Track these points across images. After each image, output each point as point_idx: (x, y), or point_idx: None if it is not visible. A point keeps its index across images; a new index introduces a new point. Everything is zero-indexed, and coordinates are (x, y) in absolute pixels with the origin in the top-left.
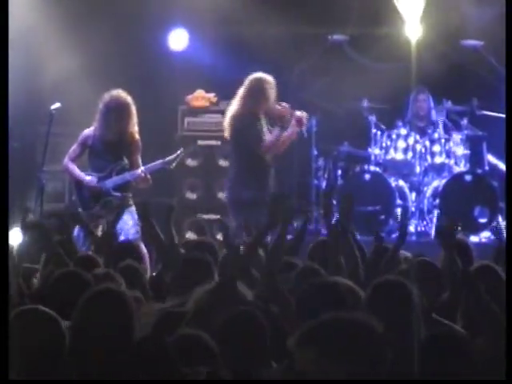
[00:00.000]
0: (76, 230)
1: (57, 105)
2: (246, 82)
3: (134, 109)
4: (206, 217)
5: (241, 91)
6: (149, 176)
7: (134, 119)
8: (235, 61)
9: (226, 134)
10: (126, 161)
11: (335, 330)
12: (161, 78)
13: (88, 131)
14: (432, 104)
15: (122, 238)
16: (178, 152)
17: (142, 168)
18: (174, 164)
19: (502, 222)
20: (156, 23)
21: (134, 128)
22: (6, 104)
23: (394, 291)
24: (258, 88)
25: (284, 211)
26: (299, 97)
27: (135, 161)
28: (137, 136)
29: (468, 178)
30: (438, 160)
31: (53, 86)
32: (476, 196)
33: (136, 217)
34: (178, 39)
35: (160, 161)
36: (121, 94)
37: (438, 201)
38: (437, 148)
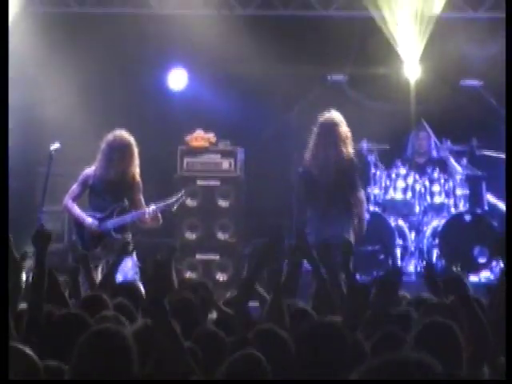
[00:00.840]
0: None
1: (56, 145)
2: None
3: (136, 150)
4: (205, 257)
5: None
6: (159, 215)
7: (136, 160)
8: (235, 100)
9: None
10: (126, 202)
11: (399, 370)
12: (160, 118)
13: (89, 170)
14: (433, 141)
15: (120, 278)
16: (180, 194)
17: (148, 209)
18: (175, 207)
19: (501, 262)
20: (155, 63)
21: (136, 169)
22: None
23: (442, 332)
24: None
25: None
26: (299, 136)
27: (137, 201)
28: (138, 177)
29: (467, 217)
30: (438, 200)
31: (52, 126)
32: (475, 236)
33: (135, 258)
34: (177, 79)
35: (162, 203)
36: (124, 134)
37: (437, 240)
38: (436, 188)
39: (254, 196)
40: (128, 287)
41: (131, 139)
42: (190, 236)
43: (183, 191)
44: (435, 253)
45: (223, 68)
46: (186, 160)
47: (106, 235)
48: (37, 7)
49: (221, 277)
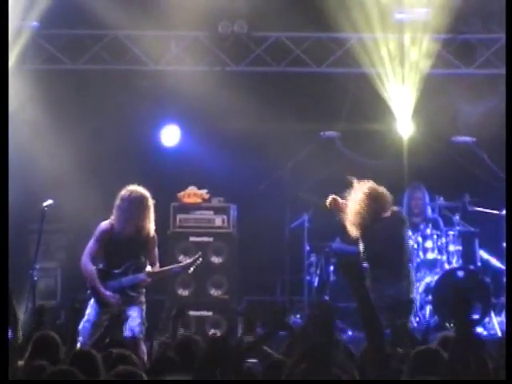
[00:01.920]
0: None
1: (49, 202)
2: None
3: (152, 204)
4: (198, 313)
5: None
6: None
7: (152, 214)
8: (228, 157)
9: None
10: (143, 258)
11: None
12: (153, 174)
13: (104, 225)
14: (427, 200)
15: (127, 333)
16: (196, 256)
17: (165, 268)
18: (192, 268)
19: (493, 317)
20: (148, 119)
21: (152, 224)
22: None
23: None
24: None
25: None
26: (292, 192)
27: (152, 257)
28: (153, 232)
29: (460, 273)
30: (431, 256)
31: (44, 182)
32: (468, 292)
33: (144, 315)
34: (170, 135)
35: (178, 265)
36: (139, 188)
37: (430, 297)
38: (429, 244)
39: (247, 252)
40: (131, 343)
41: (146, 193)
42: (183, 292)
43: (200, 253)
44: (428, 309)
45: (216, 124)
46: (178, 216)
47: (121, 293)
48: (29, 64)
49: (213, 333)
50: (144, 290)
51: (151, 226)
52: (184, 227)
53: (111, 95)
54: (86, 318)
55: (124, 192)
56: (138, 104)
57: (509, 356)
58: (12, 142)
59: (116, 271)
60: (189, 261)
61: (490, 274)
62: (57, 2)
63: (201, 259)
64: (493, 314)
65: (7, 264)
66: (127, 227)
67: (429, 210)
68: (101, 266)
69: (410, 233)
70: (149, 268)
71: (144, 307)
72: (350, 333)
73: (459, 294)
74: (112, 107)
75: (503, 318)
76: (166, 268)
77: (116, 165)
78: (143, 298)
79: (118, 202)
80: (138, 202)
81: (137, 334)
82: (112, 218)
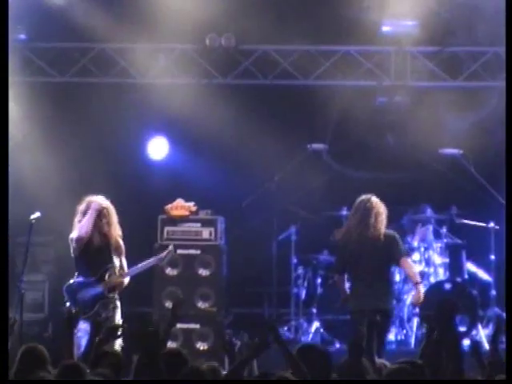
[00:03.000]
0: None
1: (36, 214)
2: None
3: (115, 212)
4: (185, 326)
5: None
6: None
7: (117, 222)
8: (215, 169)
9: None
10: (116, 262)
11: None
12: (140, 187)
13: (75, 237)
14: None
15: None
16: (169, 248)
17: (141, 264)
18: (165, 260)
19: (480, 329)
20: (136, 131)
21: (118, 231)
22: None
23: None
24: None
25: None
26: (279, 205)
27: (123, 263)
28: (119, 239)
29: (447, 286)
30: (418, 268)
31: (30, 195)
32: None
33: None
34: (157, 148)
35: (153, 258)
36: (100, 198)
37: (417, 309)
38: (416, 256)
39: (235, 265)
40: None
41: (108, 202)
42: (170, 305)
43: (172, 245)
44: (415, 321)
45: (203, 137)
46: (166, 229)
47: (101, 298)
48: (17, 77)
49: (201, 346)
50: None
51: (118, 233)
52: (171, 239)
53: (99, 108)
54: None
55: (85, 201)
56: (126, 117)
57: (509, 356)
58: None
59: (92, 279)
60: (162, 254)
61: (477, 286)
62: (44, 15)
63: (173, 252)
64: (480, 327)
65: (7, 269)
66: (95, 235)
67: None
68: (79, 278)
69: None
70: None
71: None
72: (337, 345)
73: (444, 302)
74: (100, 120)
75: (490, 330)
76: (140, 264)
77: (102, 177)
78: (119, 303)
79: (78, 216)
80: (101, 211)
81: (117, 347)
82: (77, 230)
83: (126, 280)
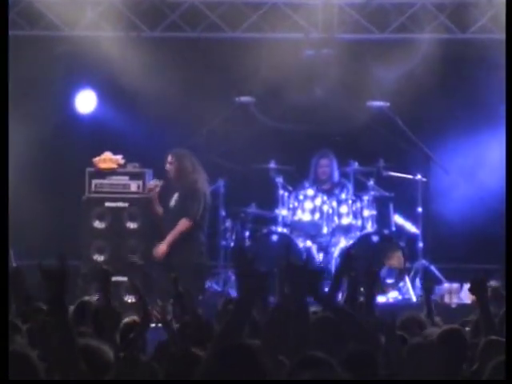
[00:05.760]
0: None
1: None
2: None
3: None
4: (113, 279)
5: None
6: None
7: None
8: (143, 123)
9: None
10: None
11: None
12: (68, 140)
13: None
14: (335, 167)
15: None
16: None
17: None
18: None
19: (408, 282)
20: (63, 84)
21: None
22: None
23: None
24: None
25: None
26: (207, 158)
27: None
28: None
29: (375, 238)
30: (346, 221)
31: None
32: (383, 256)
33: None
34: (85, 101)
35: None
36: None
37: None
38: (344, 209)
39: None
40: None
41: None
42: (99, 258)
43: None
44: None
45: (132, 90)
46: (94, 182)
47: None
48: None
49: (129, 299)
50: None
51: None
52: (99, 192)
53: (25, 62)
54: None
55: None
56: (53, 69)
57: (509, 356)
58: None
59: None
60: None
61: (404, 238)
62: None
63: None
64: (407, 279)
65: (6, 267)
66: None
67: (335, 176)
68: None
69: (325, 197)
70: None
71: None
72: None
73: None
74: (26, 74)
75: (417, 282)
76: None
77: (30, 131)
78: None
79: None
80: None
81: None
82: None
83: None
